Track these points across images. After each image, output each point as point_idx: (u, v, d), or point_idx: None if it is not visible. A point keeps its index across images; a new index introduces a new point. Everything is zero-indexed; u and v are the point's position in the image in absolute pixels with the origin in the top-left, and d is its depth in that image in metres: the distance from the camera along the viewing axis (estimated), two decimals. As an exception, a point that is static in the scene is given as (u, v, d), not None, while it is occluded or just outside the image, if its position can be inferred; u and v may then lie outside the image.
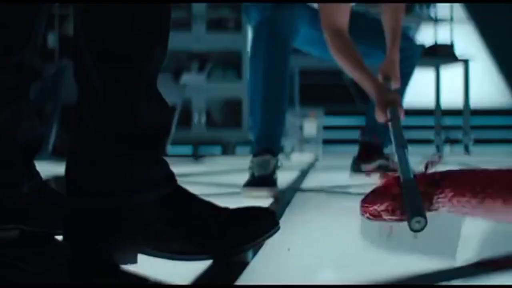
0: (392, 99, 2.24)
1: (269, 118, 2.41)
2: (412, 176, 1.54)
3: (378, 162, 2.87)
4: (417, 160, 4.51)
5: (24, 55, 1.27)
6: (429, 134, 6.72)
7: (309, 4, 2.62)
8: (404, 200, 1.43)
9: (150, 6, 1.06)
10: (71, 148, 1.09)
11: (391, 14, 2.68)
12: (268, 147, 2.36)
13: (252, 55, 2.45)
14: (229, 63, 6.57)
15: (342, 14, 2.46)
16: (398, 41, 2.61)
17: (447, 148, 6.63)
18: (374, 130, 2.88)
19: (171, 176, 1.12)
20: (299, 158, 5.17)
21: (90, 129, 1.06)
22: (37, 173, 1.38)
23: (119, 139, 1.05)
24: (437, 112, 6.62)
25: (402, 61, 2.68)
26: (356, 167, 2.92)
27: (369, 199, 1.59)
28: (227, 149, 6.44)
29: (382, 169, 2.79)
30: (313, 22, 2.60)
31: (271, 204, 2.02)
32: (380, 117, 2.25)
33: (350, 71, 2.42)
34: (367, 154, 2.90)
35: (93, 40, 1.04)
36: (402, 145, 1.76)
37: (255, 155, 2.35)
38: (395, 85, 2.49)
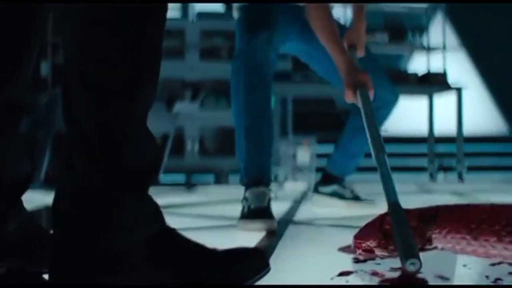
0: (362, 80, 2.22)
1: (254, 148, 2.38)
2: (397, 198, 1.52)
3: (334, 188, 3.03)
4: (411, 189, 4.50)
5: (15, 89, 1.25)
6: (423, 162, 6.72)
7: (296, 17, 2.65)
8: (394, 235, 1.41)
9: (141, 42, 1.05)
10: (59, 183, 1.08)
11: None
12: (257, 177, 2.34)
13: (233, 88, 2.44)
14: (222, 91, 6.58)
15: None
16: (363, 9, 2.67)
17: (440, 176, 6.63)
18: (337, 166, 3.04)
19: (159, 214, 1.10)
20: (293, 187, 5.16)
21: (78, 166, 1.04)
22: (24, 209, 1.37)
23: (108, 176, 1.04)
24: (431, 139, 6.63)
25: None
26: (315, 189, 3.11)
27: (361, 235, 1.58)
28: (220, 178, 6.42)
29: (337, 196, 3.01)
30: (303, 35, 2.67)
31: (264, 237, 2.00)
32: (349, 98, 2.24)
33: (324, 41, 2.43)
34: (326, 179, 3.06)
35: (83, 76, 1.03)
36: (380, 150, 1.73)
37: (247, 187, 2.33)
38: (360, 53, 2.55)
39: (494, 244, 1.39)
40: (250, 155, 2.38)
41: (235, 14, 2.77)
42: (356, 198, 3.00)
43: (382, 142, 1.76)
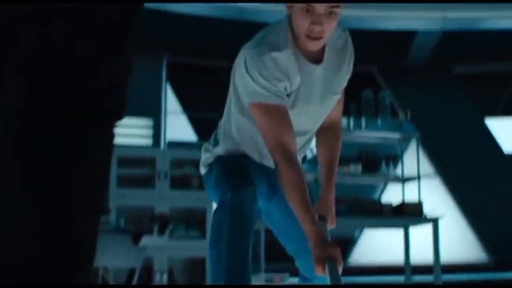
0: (330, 254, 2.12)
1: None
2: None
3: None
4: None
5: None
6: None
7: (266, 177, 2.56)
8: None
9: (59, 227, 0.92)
10: None
11: (326, 146, 2.61)
12: None
13: (214, 237, 2.39)
14: (192, 220, 6.50)
15: (285, 130, 2.30)
16: (333, 178, 2.54)
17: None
18: None
19: None
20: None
21: None
22: None
23: None
24: (407, 270, 6.45)
25: None
26: None
27: None
28: (189, 314, 6.20)
29: None
30: (268, 196, 2.58)
31: None
32: (319, 272, 2.15)
33: (294, 207, 2.28)
34: None
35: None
36: None
37: None
38: (331, 225, 2.47)
39: None
40: None
41: (203, 170, 2.71)
42: None
43: None
